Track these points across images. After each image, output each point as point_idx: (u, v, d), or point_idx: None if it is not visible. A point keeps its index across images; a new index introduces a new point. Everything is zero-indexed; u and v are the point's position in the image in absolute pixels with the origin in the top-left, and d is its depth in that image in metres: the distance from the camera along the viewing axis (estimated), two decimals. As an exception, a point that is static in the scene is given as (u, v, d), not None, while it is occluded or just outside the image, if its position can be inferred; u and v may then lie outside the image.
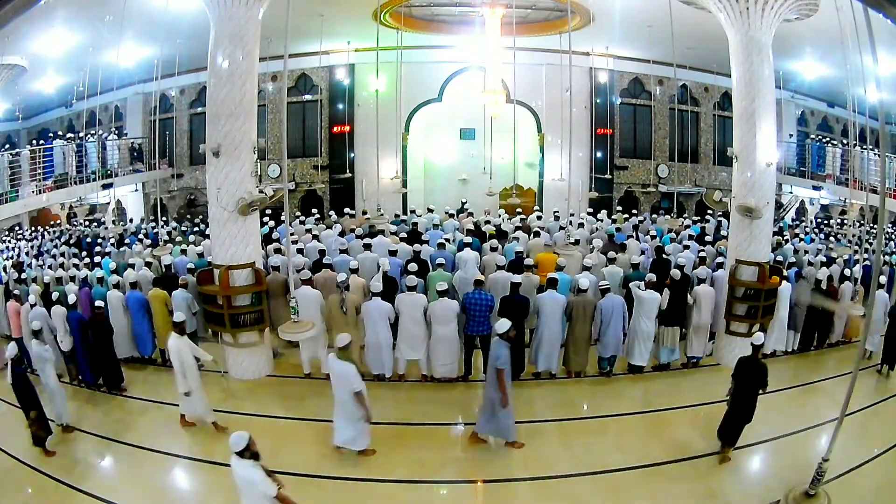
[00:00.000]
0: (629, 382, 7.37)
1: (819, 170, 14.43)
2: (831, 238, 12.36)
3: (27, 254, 11.80)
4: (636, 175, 16.12)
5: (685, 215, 14.43)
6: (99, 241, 11.50)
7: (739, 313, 7.67)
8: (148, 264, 9.12)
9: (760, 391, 5.47)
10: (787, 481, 5.16)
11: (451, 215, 11.46)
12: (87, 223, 14.65)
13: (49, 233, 13.61)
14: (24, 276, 9.91)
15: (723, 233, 10.99)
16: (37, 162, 12.02)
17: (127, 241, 11.50)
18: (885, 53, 9.04)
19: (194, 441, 6.14)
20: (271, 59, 10.23)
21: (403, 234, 9.71)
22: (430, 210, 11.77)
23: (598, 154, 15.27)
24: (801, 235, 11.80)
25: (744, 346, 7.73)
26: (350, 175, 14.44)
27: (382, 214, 11.06)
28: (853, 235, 10.98)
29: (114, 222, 13.86)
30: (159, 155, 14.83)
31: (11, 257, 11.32)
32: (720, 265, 8.25)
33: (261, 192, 7.30)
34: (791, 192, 16.26)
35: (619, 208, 15.00)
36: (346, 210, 12.43)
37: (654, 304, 7.07)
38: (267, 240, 9.55)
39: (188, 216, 14.55)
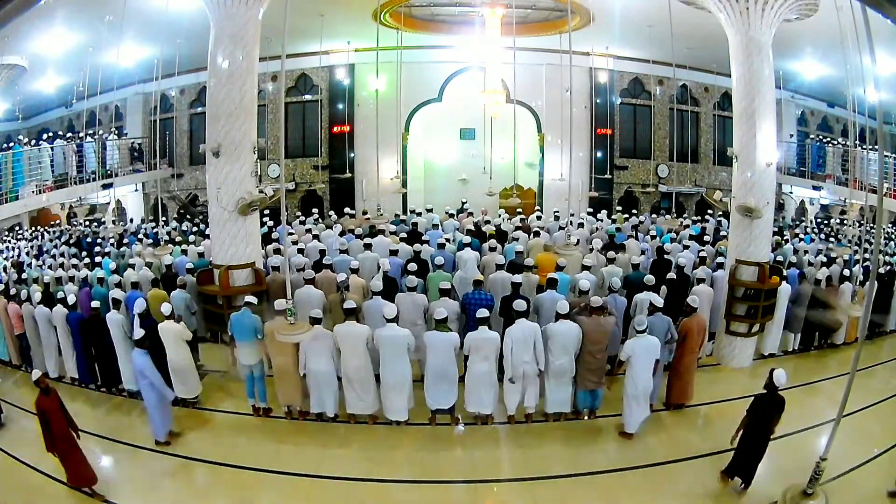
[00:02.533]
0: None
1: (819, 170, 14.44)
2: (831, 238, 12.37)
3: (27, 254, 11.81)
4: (636, 175, 16.11)
5: (685, 215, 14.43)
6: (99, 241, 11.50)
7: (739, 313, 7.68)
8: (148, 264, 9.12)
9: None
10: (786, 481, 5.16)
11: (451, 215, 11.45)
12: (87, 223, 14.65)
13: (49, 233, 13.62)
14: (24, 276, 9.92)
15: (723, 233, 10.99)
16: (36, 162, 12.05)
17: (127, 241, 11.50)
18: (884, 53, 9.06)
19: (195, 441, 6.14)
20: (271, 59, 10.21)
21: (403, 234, 9.71)
22: (429, 210, 11.77)
23: (598, 154, 15.27)
24: (801, 235, 11.80)
25: (744, 346, 7.78)
26: (350, 175, 14.43)
27: (382, 214, 11.05)
28: (853, 235, 10.98)
29: (114, 222, 13.86)
30: (159, 155, 14.83)
31: (11, 257, 11.33)
32: (720, 265, 8.25)
33: (261, 192, 7.30)
34: (791, 194, 16.26)
35: (619, 208, 14.99)
36: (346, 210, 12.42)
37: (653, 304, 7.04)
38: (267, 240, 9.55)
39: (188, 215, 14.55)
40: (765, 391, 5.19)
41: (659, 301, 6.44)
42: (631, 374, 5.91)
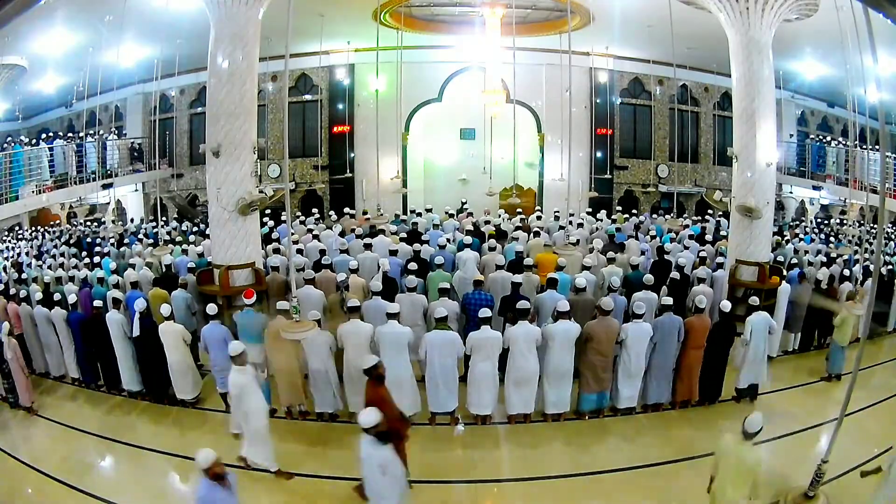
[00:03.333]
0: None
1: (819, 170, 14.44)
2: (831, 238, 12.38)
3: (27, 254, 11.81)
4: (636, 175, 16.11)
5: (685, 215, 14.43)
6: (99, 241, 11.50)
7: (739, 313, 7.67)
8: (148, 264, 9.12)
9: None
10: (787, 482, 5.16)
11: (451, 215, 11.46)
12: (87, 223, 14.66)
13: (49, 233, 13.62)
14: (24, 276, 9.91)
15: (723, 233, 10.99)
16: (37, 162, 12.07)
17: (127, 241, 11.50)
18: (885, 53, 9.07)
19: (195, 441, 6.14)
20: (271, 59, 10.23)
21: (403, 234, 9.70)
22: (429, 210, 11.78)
23: (598, 154, 15.27)
24: (801, 235, 11.80)
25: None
26: (350, 175, 14.44)
27: (382, 214, 11.06)
28: (853, 235, 10.99)
29: (114, 222, 13.86)
30: (159, 155, 14.83)
31: (11, 257, 11.33)
32: (720, 265, 8.24)
33: (261, 192, 7.31)
34: (791, 194, 16.26)
35: (619, 208, 15.00)
36: (346, 210, 12.42)
37: (652, 305, 7.04)
38: (267, 240, 9.56)
39: (187, 217, 14.56)
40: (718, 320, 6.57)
41: (655, 301, 6.47)
42: (626, 355, 6.19)
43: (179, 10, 9.58)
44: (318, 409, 6.30)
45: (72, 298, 7.27)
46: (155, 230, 12.03)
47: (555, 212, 11.96)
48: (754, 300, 6.85)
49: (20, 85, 12.99)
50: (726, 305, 6.53)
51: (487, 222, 10.48)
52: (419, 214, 11.52)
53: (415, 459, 5.69)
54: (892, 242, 12.04)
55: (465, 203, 12.77)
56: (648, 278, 7.30)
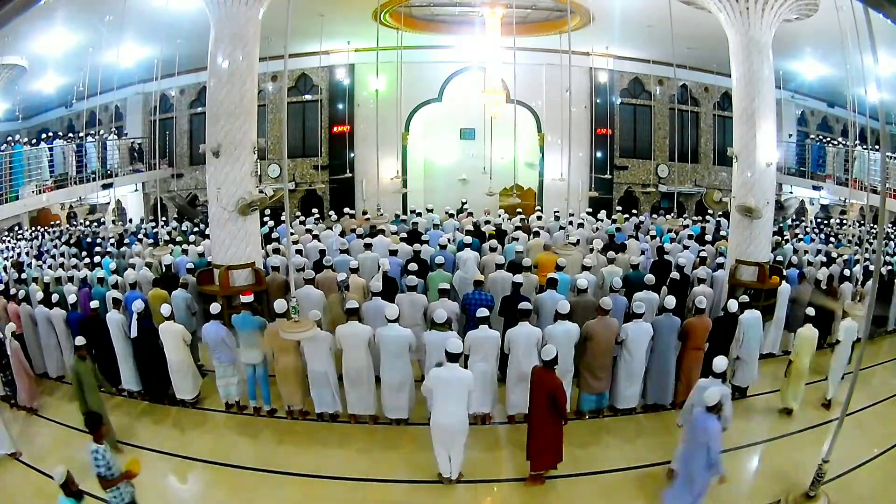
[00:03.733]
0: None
1: (819, 170, 14.45)
2: (831, 238, 12.37)
3: (27, 254, 11.81)
4: (636, 175, 16.11)
5: (685, 215, 14.43)
6: (99, 241, 11.50)
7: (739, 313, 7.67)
8: (148, 264, 9.12)
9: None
10: (787, 482, 5.17)
11: (451, 215, 11.46)
12: (87, 223, 14.66)
13: (49, 233, 13.62)
14: (24, 276, 9.91)
15: (723, 233, 10.99)
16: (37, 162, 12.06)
17: (127, 241, 11.50)
18: (885, 53, 9.06)
19: (194, 441, 6.14)
20: (271, 59, 10.23)
21: (403, 234, 9.70)
22: (429, 210, 11.77)
23: (598, 154, 15.27)
24: (801, 235, 11.79)
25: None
26: (350, 175, 14.45)
27: (382, 214, 11.06)
28: (853, 235, 11.00)
29: (114, 222, 13.86)
30: (159, 155, 14.83)
31: (11, 257, 11.33)
32: (720, 265, 8.24)
33: (261, 192, 7.30)
34: (791, 194, 16.27)
35: (619, 208, 15.00)
36: (346, 210, 12.42)
37: (652, 305, 7.04)
38: (267, 240, 9.56)
39: (186, 217, 14.56)
40: (721, 314, 6.72)
41: (656, 300, 6.45)
42: (626, 354, 6.19)
43: (179, 10, 9.58)
44: (317, 409, 6.30)
45: (72, 298, 7.27)
46: (155, 230, 12.03)
47: (555, 212, 11.96)
48: (744, 298, 6.91)
49: (20, 85, 12.99)
50: (733, 305, 6.55)
51: (487, 222, 10.48)
52: (419, 214, 11.51)
53: (414, 459, 5.71)
54: (892, 242, 12.05)
55: (465, 203, 12.77)
56: (649, 278, 7.30)
